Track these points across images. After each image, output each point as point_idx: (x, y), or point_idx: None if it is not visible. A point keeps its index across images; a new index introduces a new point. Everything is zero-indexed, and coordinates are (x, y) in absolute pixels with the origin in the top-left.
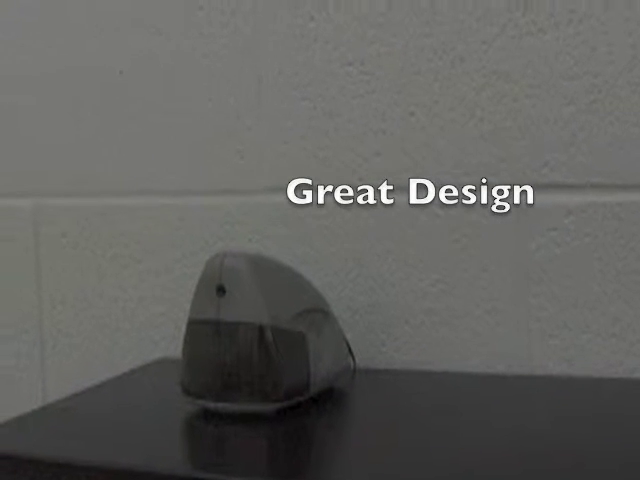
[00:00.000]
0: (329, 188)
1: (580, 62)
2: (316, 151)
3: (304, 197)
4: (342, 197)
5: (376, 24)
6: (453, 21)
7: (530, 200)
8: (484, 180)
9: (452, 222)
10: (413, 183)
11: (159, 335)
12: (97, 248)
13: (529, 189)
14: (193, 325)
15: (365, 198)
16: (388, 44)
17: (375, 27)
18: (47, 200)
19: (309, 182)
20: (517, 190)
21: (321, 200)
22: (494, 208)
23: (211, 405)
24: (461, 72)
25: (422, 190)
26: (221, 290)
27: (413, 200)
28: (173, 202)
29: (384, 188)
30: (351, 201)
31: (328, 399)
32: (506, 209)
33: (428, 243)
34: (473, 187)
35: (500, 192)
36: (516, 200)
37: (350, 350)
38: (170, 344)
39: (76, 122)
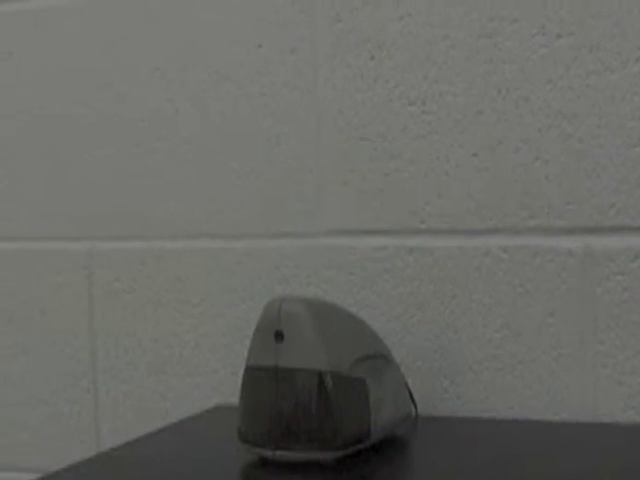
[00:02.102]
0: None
1: None
2: (376, 193)
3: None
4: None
5: (438, 63)
6: (517, 60)
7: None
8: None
9: (517, 266)
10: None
11: (216, 382)
12: (152, 293)
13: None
14: (250, 371)
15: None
16: (450, 83)
17: (437, 66)
18: (101, 244)
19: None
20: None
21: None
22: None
23: (269, 454)
24: (525, 112)
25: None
26: (279, 335)
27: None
28: (230, 245)
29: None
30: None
31: (389, 447)
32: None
33: (492, 287)
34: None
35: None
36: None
37: (412, 397)
38: (227, 391)
39: (131, 164)
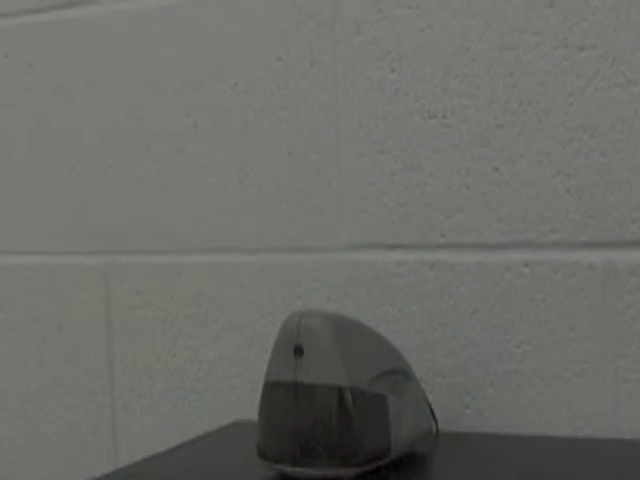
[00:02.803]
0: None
1: None
2: (396, 207)
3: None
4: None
5: (459, 75)
6: (538, 72)
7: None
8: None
9: (538, 281)
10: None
11: (234, 397)
12: (170, 307)
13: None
14: (269, 387)
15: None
16: (471, 96)
17: (458, 78)
18: (119, 257)
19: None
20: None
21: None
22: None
23: (288, 470)
24: (547, 125)
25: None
26: (299, 351)
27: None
28: (249, 260)
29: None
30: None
31: (409, 464)
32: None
33: (513, 302)
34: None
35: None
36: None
37: (432, 413)
38: (246, 406)
39: (149, 178)
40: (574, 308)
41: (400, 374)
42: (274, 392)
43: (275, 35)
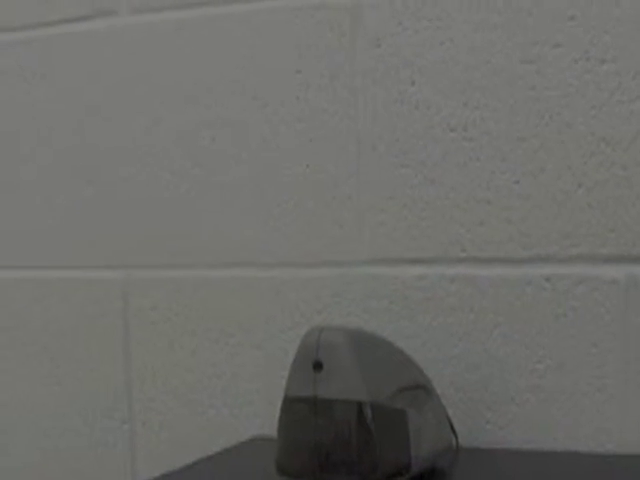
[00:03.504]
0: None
1: None
2: (417, 221)
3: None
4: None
5: (480, 88)
6: (560, 85)
7: None
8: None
9: (560, 295)
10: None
11: (253, 412)
12: (189, 322)
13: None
14: (289, 402)
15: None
16: (492, 109)
17: (479, 91)
18: (138, 272)
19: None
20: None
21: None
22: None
23: None
24: (568, 138)
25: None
26: (318, 366)
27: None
28: (268, 274)
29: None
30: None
31: (430, 479)
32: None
33: (535, 317)
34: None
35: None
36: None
37: (453, 428)
38: (265, 422)
39: (167, 192)
40: (596, 323)
41: (420, 389)
42: (294, 407)
43: (294, 48)
